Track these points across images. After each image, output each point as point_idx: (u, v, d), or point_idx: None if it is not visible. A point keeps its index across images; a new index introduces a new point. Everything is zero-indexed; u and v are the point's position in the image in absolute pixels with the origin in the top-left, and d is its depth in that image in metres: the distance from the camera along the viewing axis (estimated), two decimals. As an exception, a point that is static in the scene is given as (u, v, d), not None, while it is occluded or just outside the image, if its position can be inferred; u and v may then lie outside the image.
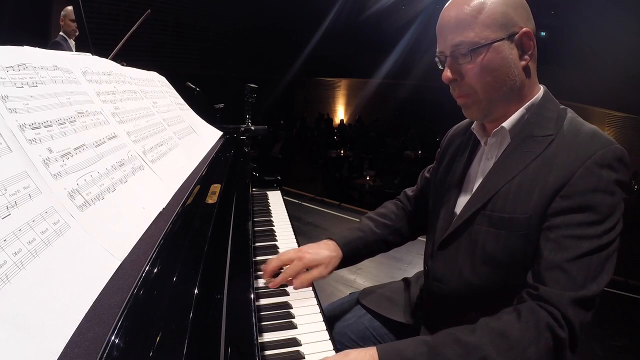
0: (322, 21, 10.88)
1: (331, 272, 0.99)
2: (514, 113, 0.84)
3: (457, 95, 0.86)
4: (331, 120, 13.75)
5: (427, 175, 1.14)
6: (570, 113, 0.84)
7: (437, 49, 0.85)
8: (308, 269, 0.95)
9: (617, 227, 0.74)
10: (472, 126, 0.94)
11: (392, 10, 10.54)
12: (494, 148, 0.88)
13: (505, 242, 0.79)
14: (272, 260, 0.94)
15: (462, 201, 0.91)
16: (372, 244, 1.09)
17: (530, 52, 0.81)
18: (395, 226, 1.13)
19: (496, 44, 0.78)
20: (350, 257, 1.04)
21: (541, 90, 0.86)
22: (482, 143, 0.91)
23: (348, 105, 14.67)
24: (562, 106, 0.86)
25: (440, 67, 0.86)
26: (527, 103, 0.84)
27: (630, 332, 2.90)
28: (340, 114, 14.64)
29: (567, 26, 9.14)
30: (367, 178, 6.37)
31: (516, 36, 0.79)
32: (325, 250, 1.00)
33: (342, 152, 8.55)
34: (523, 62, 0.81)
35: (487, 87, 0.81)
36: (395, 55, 10.96)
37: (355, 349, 0.70)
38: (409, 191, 1.19)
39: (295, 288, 0.92)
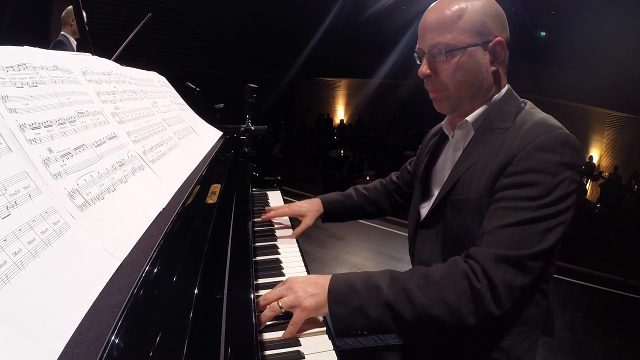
0: (322, 21, 10.87)
1: (315, 221, 1.29)
2: (478, 108, 0.93)
3: (430, 89, 0.95)
4: (331, 120, 13.73)
5: (409, 167, 1.31)
6: (527, 106, 0.93)
7: (417, 46, 0.93)
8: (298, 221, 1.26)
9: (561, 204, 0.79)
10: (442, 123, 1.05)
11: (392, 10, 10.53)
12: (460, 141, 0.98)
13: (464, 221, 0.89)
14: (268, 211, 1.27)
15: (436, 190, 1.01)
16: (349, 208, 1.33)
17: (501, 60, 0.90)
18: (374, 198, 1.34)
19: (471, 48, 0.86)
20: (331, 213, 1.31)
21: (505, 87, 0.94)
22: (450, 137, 1.02)
23: (348, 105, 14.66)
24: (523, 100, 0.94)
25: (417, 61, 0.94)
26: (492, 99, 0.93)
27: (630, 332, 2.90)
28: (340, 114, 14.63)
29: (567, 26, 9.13)
30: (367, 178, 6.39)
31: (490, 44, 0.88)
32: (307, 204, 1.29)
33: (342, 152, 8.55)
34: (493, 68, 0.90)
35: (457, 85, 0.90)
36: (395, 55, 10.95)
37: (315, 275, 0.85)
38: (394, 176, 1.37)
39: (292, 237, 1.20)
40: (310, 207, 1.28)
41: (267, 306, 0.78)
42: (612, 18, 7.86)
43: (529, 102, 0.94)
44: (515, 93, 0.95)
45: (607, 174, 9.06)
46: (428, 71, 0.91)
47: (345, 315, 0.77)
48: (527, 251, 0.76)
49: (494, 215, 0.81)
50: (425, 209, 1.02)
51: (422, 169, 1.08)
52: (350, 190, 1.36)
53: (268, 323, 0.78)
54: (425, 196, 1.06)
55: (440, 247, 0.95)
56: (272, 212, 1.27)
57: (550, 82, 8.77)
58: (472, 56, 0.87)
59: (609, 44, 8.02)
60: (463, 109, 0.94)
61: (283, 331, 0.77)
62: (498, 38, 0.87)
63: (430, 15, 0.89)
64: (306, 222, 1.26)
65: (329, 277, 0.82)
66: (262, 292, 0.89)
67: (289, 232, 1.24)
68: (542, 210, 0.77)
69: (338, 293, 0.79)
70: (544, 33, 10.19)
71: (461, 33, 0.86)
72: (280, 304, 0.77)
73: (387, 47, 10.98)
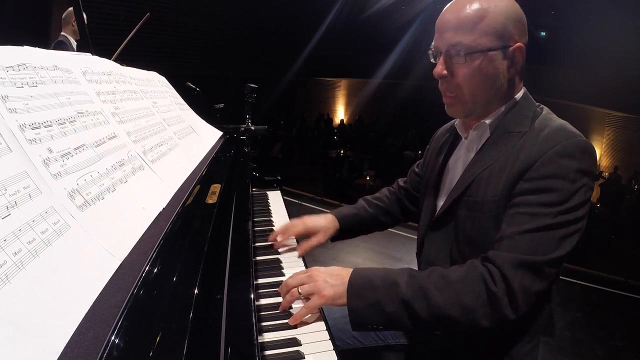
0: (322, 21, 10.88)
1: (328, 239, 1.16)
2: (493, 111, 0.91)
3: (444, 90, 0.92)
4: (331, 120, 13.73)
5: (417, 169, 1.26)
6: (544, 111, 0.92)
7: (433, 43, 0.89)
8: (309, 236, 1.13)
9: (579, 211, 0.79)
10: (455, 123, 1.02)
11: (392, 10, 10.54)
12: (475, 141, 0.96)
13: (480, 223, 0.88)
14: (278, 229, 1.13)
15: (447, 190, 0.99)
16: (365, 221, 1.25)
17: (518, 67, 0.88)
18: (386, 208, 1.28)
19: (491, 52, 0.84)
20: (346, 229, 1.21)
21: (522, 90, 0.92)
22: (464, 138, 0.99)
23: (348, 105, 14.65)
24: (539, 105, 0.93)
25: (432, 59, 0.91)
26: (509, 102, 0.91)
27: (630, 332, 2.90)
28: (340, 114, 14.62)
29: (567, 26, 9.13)
30: (367, 178, 6.38)
31: (510, 49, 0.85)
32: (322, 220, 1.17)
33: (342, 152, 8.55)
34: (510, 74, 0.87)
35: (474, 90, 0.87)
36: (395, 55, 10.95)
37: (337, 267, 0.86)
38: (401, 182, 1.32)
39: (299, 256, 1.08)
40: (325, 224, 1.16)
41: (288, 292, 0.82)
42: (612, 18, 7.86)
43: (545, 107, 0.92)
44: (531, 97, 0.93)
45: (607, 174, 9.06)
46: (444, 72, 0.87)
47: (362, 309, 0.79)
48: (545, 257, 0.76)
49: (513, 220, 0.80)
50: (436, 210, 1.01)
51: (436, 170, 1.05)
52: (361, 202, 1.28)
53: (268, 323, 0.79)
54: (436, 197, 1.03)
55: (449, 248, 0.94)
56: (284, 233, 1.12)
57: (550, 82, 8.77)
58: (492, 61, 0.84)
59: (609, 44, 8.02)
60: (477, 113, 0.92)
61: (283, 331, 0.77)
62: (518, 43, 0.85)
63: (450, 12, 0.85)
64: (318, 239, 1.13)
65: (350, 270, 0.84)
66: (262, 292, 0.89)
67: (294, 245, 1.14)
68: (561, 217, 0.77)
69: (357, 287, 0.80)
70: (544, 33, 10.19)
71: (482, 35, 0.82)
72: (299, 291, 0.81)
73: (387, 47, 10.99)
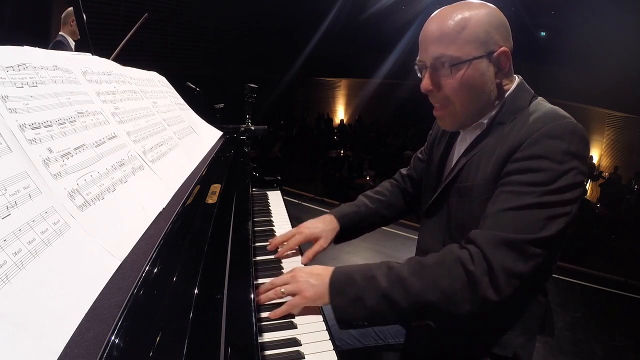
0: (322, 21, 10.89)
1: (330, 243, 1.12)
2: (486, 115, 0.91)
3: (433, 103, 0.92)
4: (331, 120, 13.74)
5: (420, 155, 1.24)
6: (538, 99, 0.91)
7: (418, 58, 0.90)
8: (310, 243, 1.09)
9: (567, 194, 0.77)
10: None
11: (392, 10, 10.55)
12: (470, 131, 0.96)
13: (470, 208, 0.88)
14: (276, 237, 1.07)
15: (443, 177, 1.01)
16: (367, 217, 1.20)
17: (505, 71, 0.87)
18: (389, 201, 1.23)
19: (476, 61, 0.83)
20: (348, 229, 1.16)
21: (515, 81, 0.92)
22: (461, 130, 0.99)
23: (348, 105, 14.66)
24: (535, 95, 0.92)
25: (418, 74, 0.91)
26: (501, 101, 0.90)
27: (630, 332, 2.90)
28: (340, 114, 14.63)
29: (567, 26, 9.14)
30: (367, 178, 6.39)
31: (494, 54, 0.85)
32: (322, 224, 1.12)
33: (342, 152, 8.55)
34: (497, 80, 0.87)
35: (463, 101, 0.87)
36: (395, 55, 10.96)
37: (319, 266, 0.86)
38: (404, 170, 1.29)
39: (303, 264, 1.02)
40: (325, 227, 1.11)
41: (272, 290, 0.82)
42: (612, 18, 7.86)
43: (540, 97, 0.92)
44: (527, 86, 0.92)
45: (607, 174, 9.07)
46: (430, 86, 0.88)
47: (344, 305, 0.79)
48: (529, 236, 0.74)
49: (498, 199, 0.80)
50: (431, 198, 1.01)
51: (436, 159, 1.05)
52: (361, 198, 1.23)
53: (268, 322, 0.79)
54: (435, 185, 1.03)
55: (442, 236, 0.94)
56: (284, 246, 1.05)
57: (550, 82, 8.77)
58: (478, 69, 0.84)
59: (609, 44, 8.03)
60: (468, 123, 0.93)
61: (283, 331, 0.77)
62: (502, 48, 0.84)
63: (432, 25, 0.85)
64: (320, 244, 1.09)
65: (330, 269, 0.84)
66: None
67: (298, 258, 1.07)
68: (547, 197, 0.76)
69: (338, 285, 0.81)
70: (544, 33, 10.20)
71: (465, 44, 0.82)
72: (282, 290, 0.82)
73: (387, 47, 11.00)
